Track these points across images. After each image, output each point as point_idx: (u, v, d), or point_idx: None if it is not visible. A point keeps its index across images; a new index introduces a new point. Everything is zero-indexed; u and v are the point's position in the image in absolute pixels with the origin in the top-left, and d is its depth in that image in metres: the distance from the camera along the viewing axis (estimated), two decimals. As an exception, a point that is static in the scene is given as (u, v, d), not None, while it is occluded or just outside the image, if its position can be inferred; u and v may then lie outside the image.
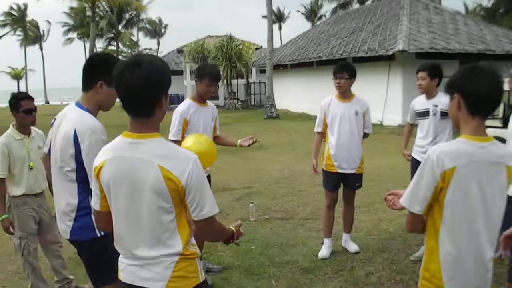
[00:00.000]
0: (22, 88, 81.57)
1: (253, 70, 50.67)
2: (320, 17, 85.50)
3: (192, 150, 5.55)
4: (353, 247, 8.20)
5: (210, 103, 7.33)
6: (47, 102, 75.79)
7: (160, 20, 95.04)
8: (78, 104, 4.66)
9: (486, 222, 3.40)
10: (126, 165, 3.25)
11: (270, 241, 8.76)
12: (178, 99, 53.16)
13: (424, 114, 7.73)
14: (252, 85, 50.52)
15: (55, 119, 4.87)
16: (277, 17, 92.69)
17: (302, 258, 7.97)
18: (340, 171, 7.97)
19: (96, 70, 4.54)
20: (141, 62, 3.16)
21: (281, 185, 13.54)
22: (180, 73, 54.06)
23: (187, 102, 7.07)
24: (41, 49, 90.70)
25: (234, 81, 47.00)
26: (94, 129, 4.37)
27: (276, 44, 51.27)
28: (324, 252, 8.03)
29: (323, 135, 8.18)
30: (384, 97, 28.06)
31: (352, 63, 30.32)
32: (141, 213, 3.24)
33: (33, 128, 6.71)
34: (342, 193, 8.32)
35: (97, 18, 59.16)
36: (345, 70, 7.76)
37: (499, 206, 3.46)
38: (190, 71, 50.31)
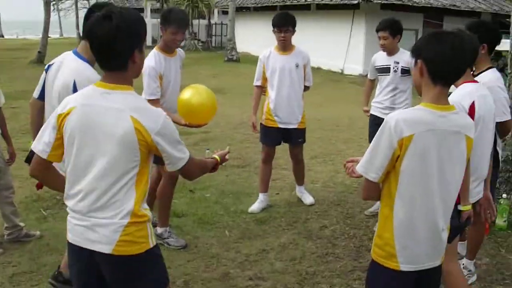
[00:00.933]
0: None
1: (216, 11, 49.98)
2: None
3: (193, 102, 5.49)
4: (308, 198, 8.11)
5: (178, 49, 6.75)
6: (1, 35, 74.01)
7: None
8: (76, 53, 4.64)
9: (442, 192, 3.34)
10: (96, 113, 3.16)
11: (225, 189, 8.67)
12: (138, 37, 52.33)
13: (385, 70, 7.52)
14: (214, 26, 49.90)
15: (50, 64, 4.85)
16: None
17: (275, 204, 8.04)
18: (281, 126, 7.70)
19: None
20: (111, 14, 3.09)
21: (239, 130, 13.41)
22: (141, 10, 53.14)
23: (156, 55, 6.34)
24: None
25: (195, 22, 46.34)
26: (94, 81, 4.21)
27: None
28: (255, 206, 7.82)
29: (262, 89, 7.89)
30: (346, 46, 27.92)
31: (316, 10, 30.45)
32: (103, 165, 3.15)
33: None
34: (289, 150, 8.15)
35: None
36: (289, 22, 7.46)
37: (457, 176, 3.42)
38: (151, 10, 49.58)
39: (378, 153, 3.26)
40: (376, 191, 3.43)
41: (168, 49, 6.41)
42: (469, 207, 4.36)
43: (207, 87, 5.68)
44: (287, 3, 33.00)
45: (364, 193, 3.53)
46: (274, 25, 7.43)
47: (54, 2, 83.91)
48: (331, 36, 28.61)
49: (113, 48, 3.09)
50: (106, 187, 3.14)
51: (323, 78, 24.31)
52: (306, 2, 30.69)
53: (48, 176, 3.52)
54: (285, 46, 7.55)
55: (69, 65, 4.61)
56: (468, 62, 3.51)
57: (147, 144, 3.14)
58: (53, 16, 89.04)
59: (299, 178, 8.26)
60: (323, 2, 29.23)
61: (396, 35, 7.26)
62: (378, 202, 3.55)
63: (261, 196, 7.94)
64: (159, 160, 3.40)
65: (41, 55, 29.29)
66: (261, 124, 7.87)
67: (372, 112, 7.73)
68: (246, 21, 40.40)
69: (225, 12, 43.95)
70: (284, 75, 7.56)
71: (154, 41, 48.46)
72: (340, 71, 27.69)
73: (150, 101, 5.99)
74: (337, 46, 27.88)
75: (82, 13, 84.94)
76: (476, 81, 4.67)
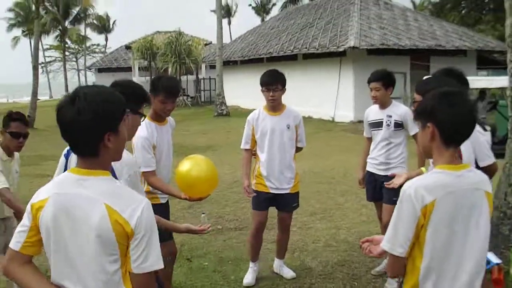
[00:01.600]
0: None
1: (203, 66, 50.17)
2: (269, 12, 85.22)
3: (193, 175, 5.16)
4: (289, 273, 7.44)
5: (168, 117, 6.31)
6: (-8, 99, 74.03)
7: (107, 15, 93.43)
8: None
9: (470, 253, 3.19)
10: (69, 203, 2.82)
11: (224, 256, 8.26)
12: (127, 96, 52.44)
13: (378, 125, 7.18)
14: (202, 81, 50.06)
15: (70, 149, 4.53)
16: (226, 12, 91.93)
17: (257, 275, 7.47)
18: (272, 191, 7.13)
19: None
20: (75, 97, 2.80)
21: (233, 189, 12.98)
22: (129, 69, 53.44)
23: (148, 125, 5.91)
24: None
25: (184, 78, 46.46)
26: (131, 163, 3.95)
27: (226, 39, 51.02)
28: (249, 278, 7.29)
29: (252, 152, 7.34)
30: (335, 94, 27.93)
31: (303, 59, 30.53)
32: (83, 260, 2.80)
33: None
34: (277, 216, 7.49)
35: (42, 14, 58.18)
36: (278, 80, 6.93)
37: (484, 234, 3.25)
38: (138, 67, 49.79)
39: (401, 226, 3.10)
40: (404, 266, 3.23)
41: (159, 117, 6.04)
42: None
43: (205, 157, 5.44)
44: (273, 55, 33.09)
45: (391, 270, 3.39)
46: (262, 84, 6.95)
47: (43, 65, 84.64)
48: (320, 84, 28.63)
49: (77, 134, 2.81)
50: (92, 285, 2.81)
51: (314, 128, 24.18)
52: (292, 53, 30.76)
53: (23, 274, 2.96)
54: (274, 106, 7.04)
55: None
56: (476, 121, 3.33)
57: (126, 235, 2.75)
58: (43, 78, 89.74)
59: (282, 250, 7.59)
60: (309, 51, 29.26)
61: (388, 87, 7.00)
62: (385, 260, 3.33)
63: (252, 265, 7.41)
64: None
65: (30, 119, 29.12)
66: (252, 190, 7.24)
67: (368, 168, 7.41)
68: (234, 74, 40.51)
69: (212, 67, 44.09)
70: (274, 138, 7.05)
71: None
72: (331, 119, 27.61)
73: (146, 173, 5.75)
74: (327, 94, 27.87)
75: (70, 75, 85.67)
76: None
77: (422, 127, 3.25)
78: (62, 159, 4.62)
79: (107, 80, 54.61)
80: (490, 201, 3.27)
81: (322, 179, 13.77)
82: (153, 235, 2.79)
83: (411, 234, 3.07)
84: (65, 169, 4.63)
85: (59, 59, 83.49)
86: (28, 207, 2.94)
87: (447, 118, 3.11)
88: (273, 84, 6.89)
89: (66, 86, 59.48)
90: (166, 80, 6.12)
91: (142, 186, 3.95)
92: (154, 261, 2.77)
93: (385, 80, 6.94)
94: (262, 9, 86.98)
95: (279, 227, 7.53)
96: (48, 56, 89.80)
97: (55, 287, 2.89)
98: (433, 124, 3.15)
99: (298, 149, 7.35)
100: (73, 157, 4.50)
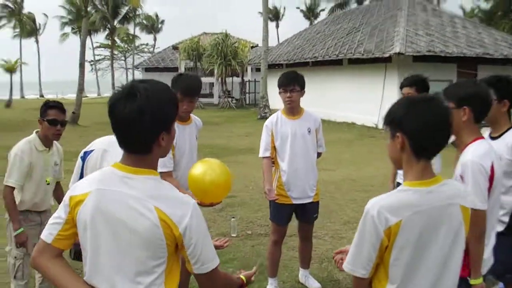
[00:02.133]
0: (16, 81, 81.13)
1: (249, 68, 50.16)
2: (317, 16, 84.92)
3: (206, 179, 4.90)
4: (314, 284, 7.20)
5: (194, 117, 6.16)
6: (41, 95, 75.10)
7: (156, 15, 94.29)
8: None
9: (444, 276, 2.99)
10: (114, 202, 2.71)
11: (251, 263, 7.92)
12: (173, 97, 52.79)
13: None
14: (248, 83, 50.05)
15: (87, 152, 4.51)
16: (274, 15, 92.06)
17: (282, 285, 7.27)
18: (295, 202, 6.78)
19: None
20: (135, 92, 2.68)
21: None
22: (175, 69, 53.72)
23: None
24: (37, 42, 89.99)
25: (229, 80, 46.53)
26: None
27: (273, 42, 51.07)
28: None
29: (272, 160, 6.92)
30: (380, 100, 27.50)
31: (348, 64, 30.26)
32: (126, 264, 2.72)
33: (54, 142, 6.20)
34: (298, 227, 7.23)
35: (93, 12, 58.89)
36: (296, 81, 6.63)
37: (457, 254, 3.02)
38: (185, 68, 49.98)
39: (364, 247, 2.88)
40: (369, 286, 3.03)
41: (180, 116, 5.71)
42: (480, 280, 3.95)
43: (220, 162, 5.13)
44: (318, 59, 32.83)
45: None
46: (279, 85, 6.69)
47: (92, 63, 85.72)
48: (365, 90, 28.29)
49: (134, 132, 2.69)
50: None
51: (357, 134, 23.95)
52: (338, 58, 30.48)
53: (53, 268, 2.84)
54: (292, 108, 6.71)
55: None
56: (451, 130, 3.04)
57: (174, 238, 2.69)
58: (91, 76, 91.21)
59: (305, 260, 7.31)
60: (354, 56, 28.96)
61: (422, 93, 6.27)
62: None
63: (271, 281, 7.07)
64: None
65: (75, 116, 29.54)
66: (272, 201, 6.83)
67: (398, 180, 6.88)
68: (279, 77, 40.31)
69: (258, 69, 44.02)
70: (296, 143, 6.71)
71: (188, 100, 48.76)
72: (374, 125, 27.23)
73: (161, 173, 5.64)
74: (371, 100, 27.49)
75: (118, 73, 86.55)
76: (483, 137, 4.14)
77: (391, 136, 3.00)
78: (79, 162, 4.52)
79: (152, 78, 55.26)
80: (466, 216, 3.01)
81: (359, 187, 13.53)
82: (205, 236, 2.78)
83: (374, 255, 2.88)
84: (82, 172, 4.51)
85: (108, 57, 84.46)
86: (66, 199, 2.83)
87: (417, 127, 2.89)
88: (290, 84, 6.61)
89: (113, 84, 60.07)
90: (185, 78, 5.93)
91: None
92: (212, 261, 2.79)
93: (419, 86, 6.44)
94: (310, 13, 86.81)
95: (300, 237, 7.29)
96: (98, 55, 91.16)
97: (87, 285, 2.80)
98: (402, 134, 2.93)
99: (318, 155, 7.07)
100: (91, 161, 4.44)
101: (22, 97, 74.89)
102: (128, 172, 2.74)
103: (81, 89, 32.18)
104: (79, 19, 75.91)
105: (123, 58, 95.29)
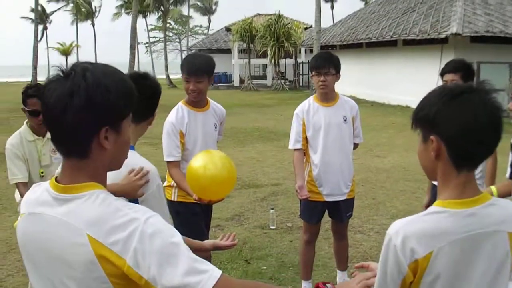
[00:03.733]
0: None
1: (303, 50, 49.56)
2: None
3: (206, 174, 4.29)
4: None
5: (214, 104, 5.74)
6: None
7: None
8: None
9: None
10: (44, 229, 2.09)
11: (286, 260, 7.49)
12: (226, 79, 52.82)
13: None
14: (301, 65, 49.45)
15: None
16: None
17: None
18: (327, 199, 6.15)
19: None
20: (71, 71, 2.02)
21: (314, 183, 12.29)
22: (228, 51, 53.52)
23: (179, 108, 5.45)
24: (93, 25, 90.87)
25: (282, 61, 46.07)
26: (154, 173, 3.26)
27: (329, 23, 50.36)
28: None
29: (304, 152, 6.23)
30: (435, 83, 26.52)
31: (403, 45, 29.42)
32: None
33: None
34: (331, 225, 6.67)
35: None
36: (330, 63, 5.92)
37: None
38: (238, 50, 49.72)
39: (387, 279, 2.29)
40: None
41: (192, 101, 5.48)
42: None
43: (224, 155, 4.50)
44: (372, 40, 32.04)
45: None
46: (311, 68, 6.05)
47: (147, 45, 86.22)
48: (420, 72, 27.38)
49: (63, 123, 2.01)
50: None
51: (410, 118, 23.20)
52: (392, 38, 29.66)
53: None
54: (326, 94, 6.00)
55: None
56: (501, 130, 2.30)
57: (123, 275, 1.98)
58: (147, 58, 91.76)
59: (342, 260, 6.65)
60: (409, 37, 28.07)
61: (467, 80, 5.51)
62: None
63: (304, 284, 6.48)
64: None
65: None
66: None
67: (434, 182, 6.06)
68: (311, 59, 39.60)
69: (312, 51, 43.38)
70: (330, 133, 6.02)
71: (242, 81, 48.72)
72: (429, 109, 26.42)
73: (168, 163, 5.29)
74: (426, 83, 26.45)
75: (173, 55, 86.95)
76: None
77: (423, 140, 2.36)
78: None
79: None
80: None
81: (410, 176, 12.79)
82: (170, 258, 1.97)
83: None
84: None
85: (163, 39, 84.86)
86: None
87: (458, 129, 2.21)
88: (324, 67, 5.90)
89: (166, 66, 59.95)
90: (190, 57, 5.65)
91: (166, 202, 3.31)
92: (195, 285, 1.96)
93: (463, 72, 5.51)
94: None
95: (334, 235, 6.69)
96: (153, 37, 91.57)
97: None
98: (438, 138, 2.26)
99: (355, 146, 6.38)
100: None
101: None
102: (60, 191, 2.10)
103: (131, 71, 32.15)
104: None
105: (177, 40, 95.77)
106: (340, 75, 6.03)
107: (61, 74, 2.05)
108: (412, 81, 27.25)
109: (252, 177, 12.88)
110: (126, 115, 2.14)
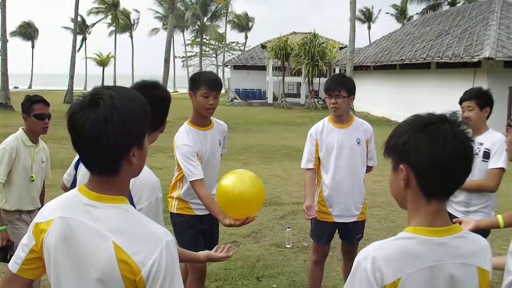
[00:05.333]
0: (109, 74, 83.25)
1: (337, 69, 49.58)
2: (410, 19, 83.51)
3: (235, 193, 4.45)
4: None
5: (216, 121, 5.80)
6: (132, 87, 77.21)
7: (246, 14, 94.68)
8: None
9: None
10: (75, 234, 2.30)
11: (298, 279, 7.51)
12: (260, 95, 52.99)
13: None
14: (335, 84, 49.39)
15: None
16: (366, 17, 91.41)
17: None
18: (336, 220, 6.10)
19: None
20: (98, 100, 2.22)
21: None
22: (263, 68, 53.71)
23: (188, 130, 5.48)
24: (131, 37, 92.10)
25: (316, 80, 46.09)
26: (153, 186, 3.28)
27: (365, 43, 50.39)
28: None
29: (315, 173, 6.22)
30: (466, 107, 26.52)
31: (436, 68, 29.26)
32: None
33: (40, 140, 6.16)
34: (341, 246, 6.60)
35: (183, 9, 59.63)
36: (341, 86, 5.88)
37: None
38: (272, 67, 49.85)
39: None
40: None
41: (200, 120, 5.53)
42: None
43: (251, 173, 4.71)
44: (405, 62, 31.97)
45: None
46: (324, 90, 6.00)
47: (183, 59, 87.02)
48: (452, 95, 26.99)
49: (99, 148, 2.21)
50: None
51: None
52: (425, 61, 29.56)
53: None
54: (338, 116, 5.98)
55: None
56: (471, 161, 2.32)
57: (134, 282, 2.22)
58: (182, 72, 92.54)
59: None
60: (442, 60, 27.96)
61: (484, 107, 5.71)
62: None
63: None
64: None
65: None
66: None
67: (447, 208, 5.87)
68: (366, 79, 39.55)
69: (345, 71, 43.51)
70: (342, 155, 5.98)
71: (275, 99, 48.83)
72: (461, 133, 26.26)
73: (193, 182, 5.23)
74: (458, 106, 26.50)
75: (209, 69, 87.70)
76: None
77: (393, 168, 2.37)
78: (72, 170, 4.18)
79: (240, 76, 55.48)
80: (484, 282, 2.33)
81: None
82: (173, 281, 2.26)
83: None
84: (74, 181, 4.09)
85: (199, 54, 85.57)
86: (31, 226, 2.45)
87: (427, 160, 2.22)
88: (335, 89, 5.86)
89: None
90: (208, 73, 5.68)
91: (162, 216, 3.38)
92: None
93: (479, 99, 5.70)
94: (402, 16, 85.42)
95: (344, 257, 6.65)
96: (189, 51, 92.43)
97: None
98: (408, 167, 2.27)
99: (369, 169, 6.33)
100: (82, 169, 3.83)
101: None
102: (91, 199, 2.32)
103: (165, 84, 32.46)
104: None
105: (214, 55, 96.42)
106: (353, 97, 5.98)
107: (86, 101, 2.26)
108: (444, 103, 26.98)
109: (274, 194, 12.93)
110: (146, 131, 2.38)
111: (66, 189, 4.35)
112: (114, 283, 2.23)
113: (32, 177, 5.99)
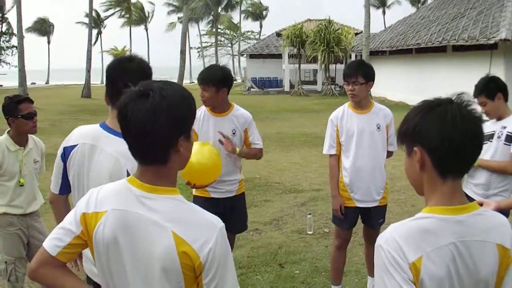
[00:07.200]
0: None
1: (353, 55, 49.42)
2: (424, 2, 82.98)
3: (192, 161, 4.74)
4: None
5: (238, 111, 6.02)
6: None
7: (260, 2, 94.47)
8: (108, 128, 3.61)
9: None
10: (131, 224, 2.44)
11: (320, 265, 7.59)
12: (277, 84, 52.90)
13: (488, 137, 5.69)
14: (351, 70, 49.24)
15: (67, 147, 3.73)
16: (381, 2, 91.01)
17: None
18: (358, 205, 6.17)
19: None
20: (149, 91, 2.40)
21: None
22: (279, 56, 53.59)
23: (201, 109, 5.93)
24: (146, 30, 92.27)
25: (332, 66, 45.95)
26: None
27: (380, 28, 50.22)
28: None
29: (338, 159, 6.30)
30: (484, 89, 26.39)
31: (452, 51, 29.10)
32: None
33: (31, 137, 5.92)
34: (363, 230, 6.67)
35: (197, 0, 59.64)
36: (358, 72, 5.90)
37: None
38: (288, 55, 49.75)
39: None
40: None
41: (212, 106, 5.97)
42: None
43: (211, 147, 5.33)
44: (421, 46, 31.86)
45: None
46: (343, 76, 6.07)
47: (199, 49, 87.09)
48: (468, 78, 26.95)
49: (150, 137, 2.38)
50: None
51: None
52: (441, 44, 29.45)
53: (55, 277, 2.61)
54: (358, 102, 6.03)
55: (112, 146, 3.49)
56: (482, 137, 2.39)
57: (193, 268, 2.38)
58: (199, 62, 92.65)
59: (373, 266, 6.48)
60: (458, 43, 27.86)
61: (495, 96, 5.67)
62: None
63: None
64: None
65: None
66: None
67: (465, 189, 5.71)
68: (382, 65, 39.24)
69: (361, 56, 43.33)
70: (362, 140, 6.03)
71: (292, 86, 48.78)
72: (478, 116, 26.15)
73: None
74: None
75: (225, 60, 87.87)
76: None
77: (407, 153, 2.42)
78: (59, 162, 3.79)
79: (256, 65, 55.39)
80: (504, 260, 2.33)
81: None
82: (227, 265, 2.45)
83: None
84: (64, 174, 3.80)
85: (215, 44, 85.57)
86: (78, 214, 2.57)
87: (438, 137, 2.28)
88: (352, 76, 5.90)
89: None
90: (208, 67, 6.18)
91: None
92: None
93: (485, 92, 5.66)
94: (416, 0, 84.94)
95: (365, 242, 6.73)
96: (205, 42, 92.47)
97: None
98: (421, 148, 2.33)
99: (389, 154, 6.34)
100: (75, 158, 3.70)
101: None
102: (145, 190, 2.45)
103: (181, 75, 32.65)
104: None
105: (229, 45, 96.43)
106: (372, 84, 6.02)
107: (136, 93, 2.44)
108: (461, 86, 26.86)
109: (294, 182, 13.06)
110: (193, 121, 2.56)
111: (55, 201, 3.98)
112: (175, 270, 2.37)
113: (20, 182, 5.77)
